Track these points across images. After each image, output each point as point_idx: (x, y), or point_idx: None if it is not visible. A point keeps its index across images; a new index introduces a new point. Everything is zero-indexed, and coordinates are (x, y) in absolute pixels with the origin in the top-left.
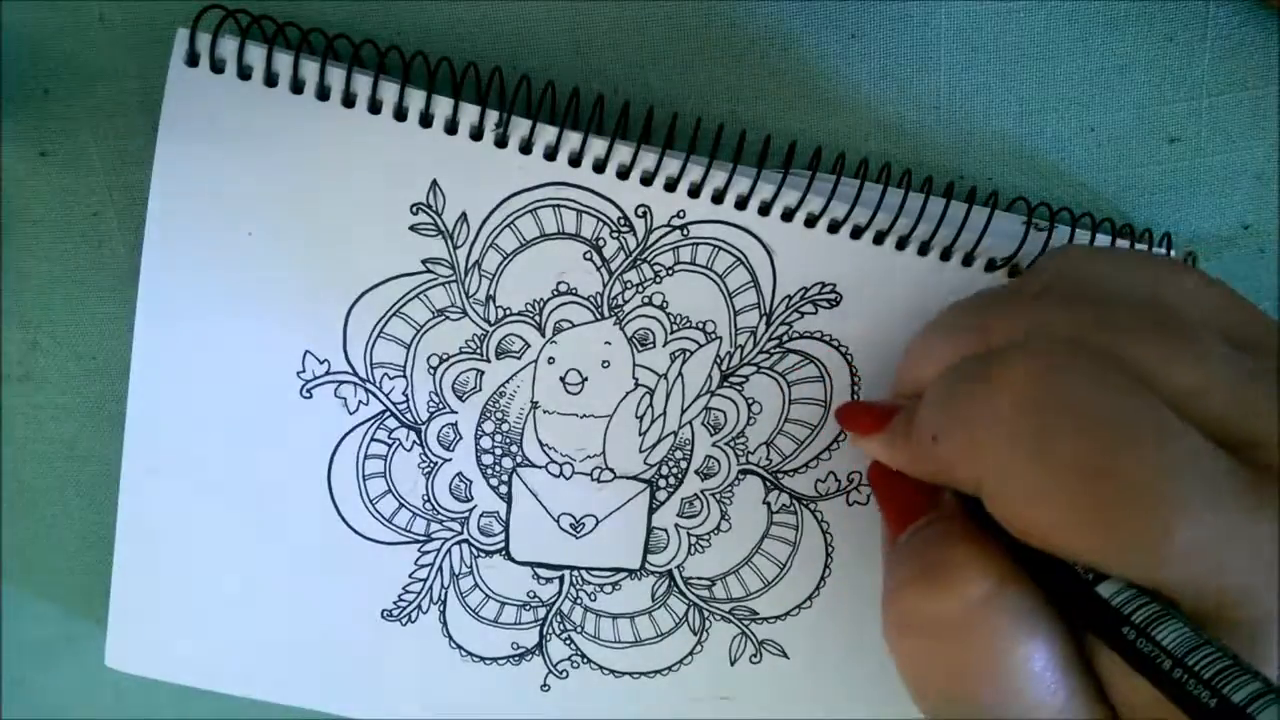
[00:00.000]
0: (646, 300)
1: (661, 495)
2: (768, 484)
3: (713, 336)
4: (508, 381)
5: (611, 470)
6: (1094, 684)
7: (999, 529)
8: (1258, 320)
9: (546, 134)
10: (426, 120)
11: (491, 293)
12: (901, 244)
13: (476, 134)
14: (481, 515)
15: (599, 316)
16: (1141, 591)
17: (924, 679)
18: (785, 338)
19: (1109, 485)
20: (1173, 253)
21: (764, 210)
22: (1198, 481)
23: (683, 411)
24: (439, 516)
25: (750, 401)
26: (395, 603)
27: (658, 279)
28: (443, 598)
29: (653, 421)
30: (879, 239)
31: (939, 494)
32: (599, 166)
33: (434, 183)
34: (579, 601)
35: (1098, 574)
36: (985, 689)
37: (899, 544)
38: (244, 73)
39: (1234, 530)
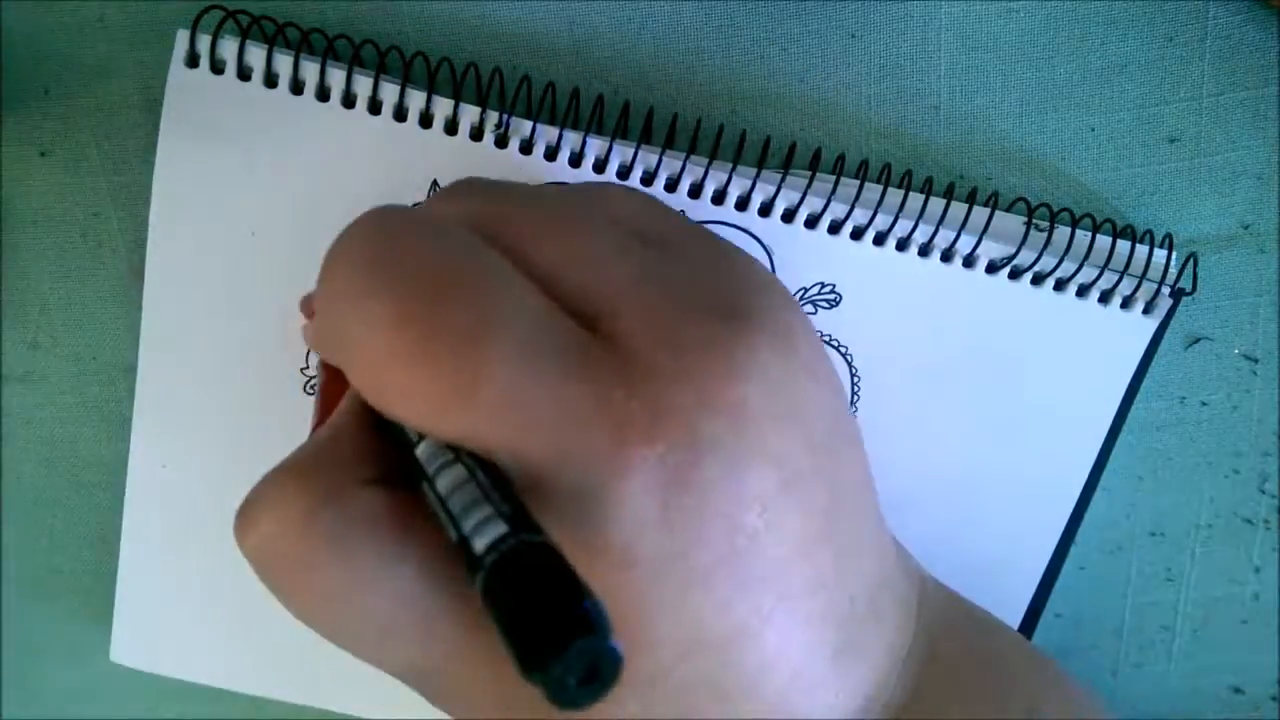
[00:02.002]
0: None
1: None
2: None
3: None
4: None
5: None
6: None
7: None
8: (677, 224)
9: (547, 134)
10: (426, 121)
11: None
12: (902, 245)
13: (477, 134)
14: None
15: None
16: (452, 449)
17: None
18: None
19: (420, 332)
20: (1174, 254)
21: (764, 211)
22: (519, 334)
23: None
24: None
25: None
26: None
27: None
28: None
29: None
30: (879, 240)
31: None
32: (599, 167)
33: (434, 183)
34: None
35: (423, 436)
36: (323, 608)
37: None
38: (244, 73)
39: (548, 389)
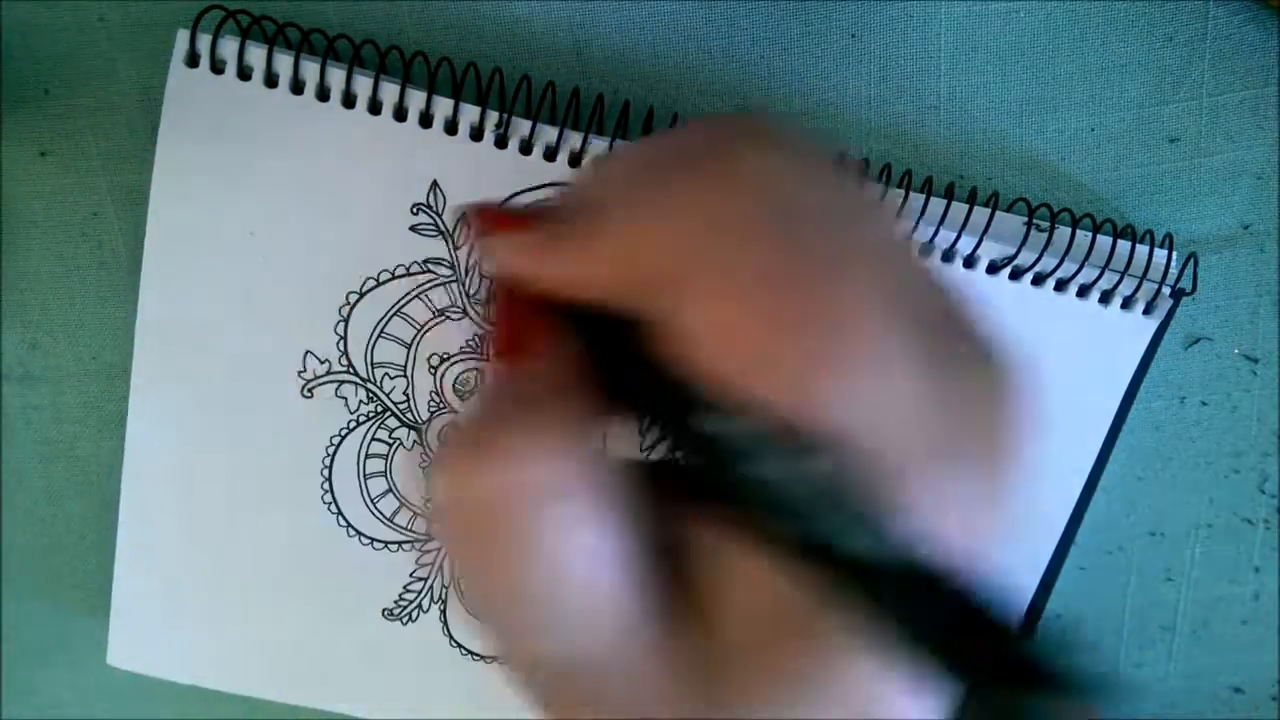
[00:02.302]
0: None
1: None
2: None
3: None
4: None
5: None
6: (691, 596)
7: (616, 373)
8: None
9: (547, 134)
10: (426, 121)
11: (492, 293)
12: None
13: (477, 134)
14: None
15: None
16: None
17: (459, 566)
18: None
19: (809, 300)
20: (1174, 254)
21: None
22: (908, 326)
23: None
24: None
25: None
26: (396, 601)
27: None
28: (443, 597)
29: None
30: None
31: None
32: None
33: (434, 183)
34: None
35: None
36: (518, 584)
37: (456, 428)
38: (244, 73)
39: (898, 387)
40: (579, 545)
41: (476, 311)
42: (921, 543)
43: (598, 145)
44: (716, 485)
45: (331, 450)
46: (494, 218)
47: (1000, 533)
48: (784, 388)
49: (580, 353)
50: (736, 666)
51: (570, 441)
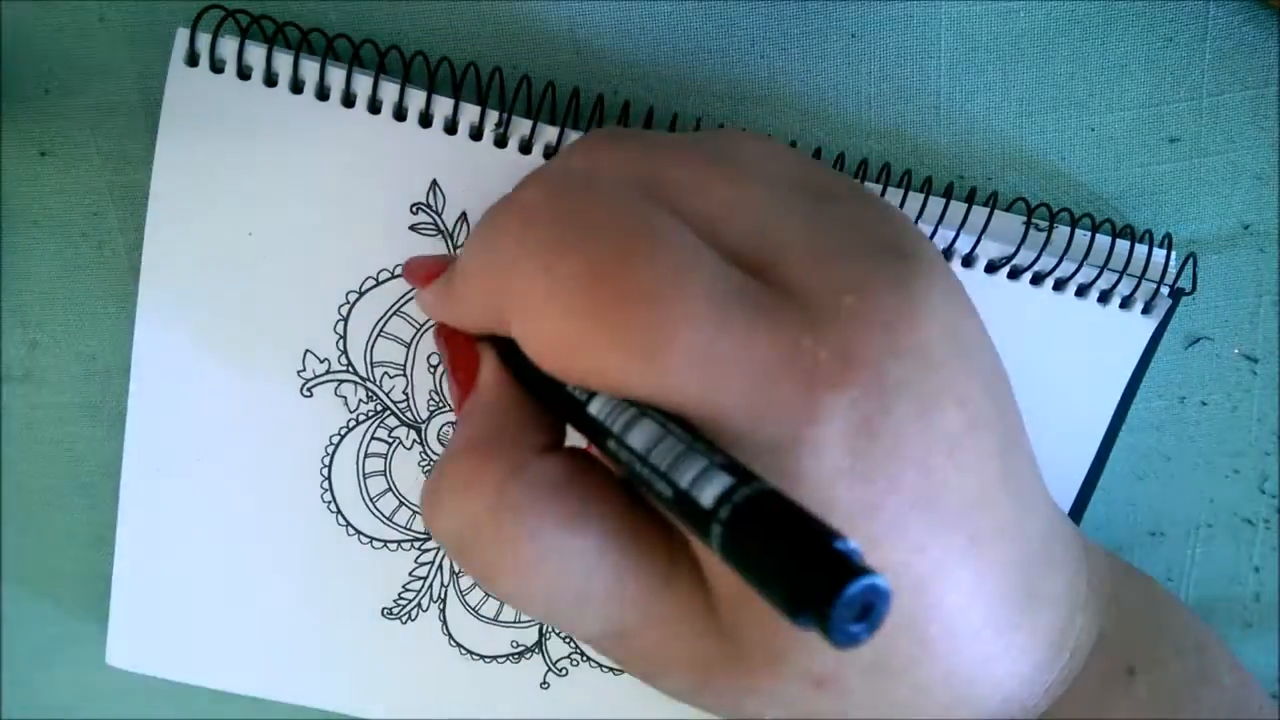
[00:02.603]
0: None
1: None
2: None
3: None
4: None
5: None
6: (684, 571)
7: (533, 379)
8: (824, 173)
9: (547, 134)
10: (426, 120)
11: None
12: None
13: (476, 134)
14: None
15: None
16: (632, 405)
17: (484, 586)
18: None
19: (612, 290)
20: (1173, 254)
21: None
22: (704, 288)
23: None
24: None
25: None
26: (395, 601)
27: None
28: (443, 596)
29: None
30: None
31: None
32: None
33: (434, 183)
34: None
35: (592, 395)
36: (518, 590)
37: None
38: (244, 73)
39: (737, 342)
40: (552, 546)
41: None
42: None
43: None
44: (601, 446)
45: (331, 449)
46: (414, 271)
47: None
48: (611, 371)
49: (503, 370)
50: (738, 614)
51: (521, 457)
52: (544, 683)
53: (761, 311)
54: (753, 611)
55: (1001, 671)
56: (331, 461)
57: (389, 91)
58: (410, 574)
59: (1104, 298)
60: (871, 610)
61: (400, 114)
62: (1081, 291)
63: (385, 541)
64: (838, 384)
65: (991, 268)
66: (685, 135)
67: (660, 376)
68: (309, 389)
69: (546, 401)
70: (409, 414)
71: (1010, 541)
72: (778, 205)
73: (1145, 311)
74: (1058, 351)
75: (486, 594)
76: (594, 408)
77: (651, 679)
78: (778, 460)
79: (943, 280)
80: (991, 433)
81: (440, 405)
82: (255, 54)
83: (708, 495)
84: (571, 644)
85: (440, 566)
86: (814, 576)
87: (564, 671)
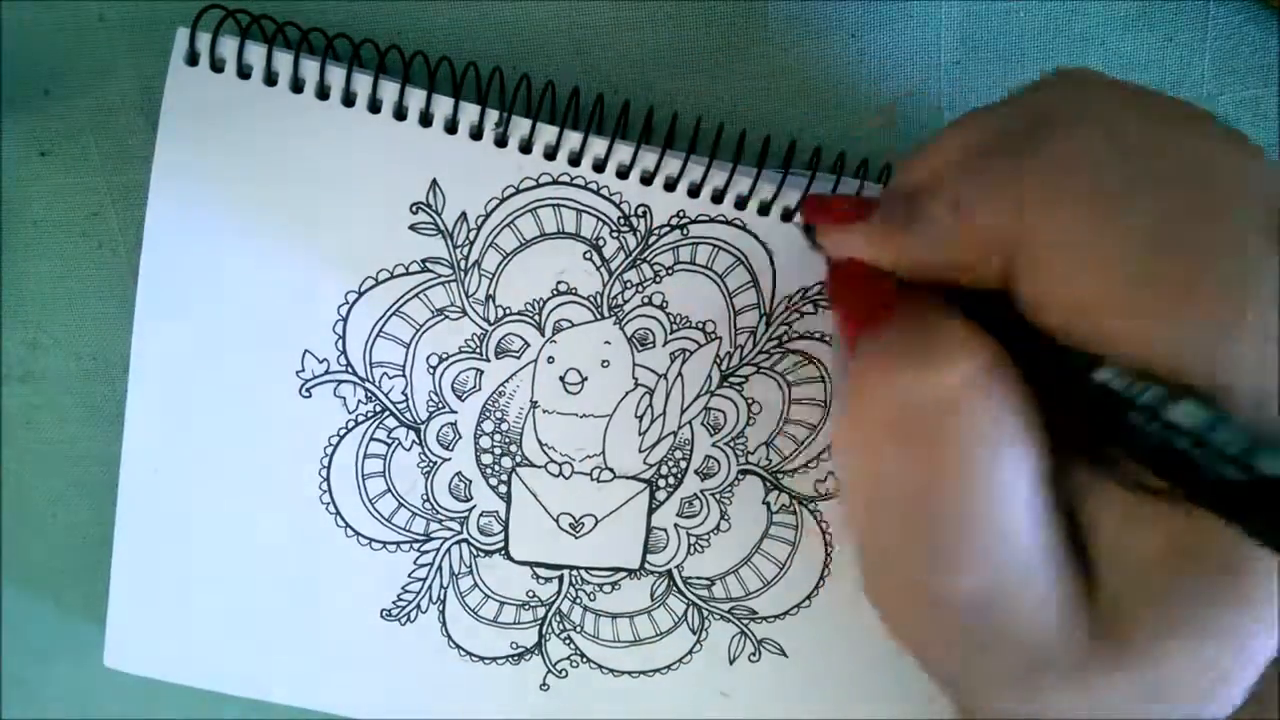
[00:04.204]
0: (646, 300)
1: (661, 495)
2: (767, 484)
3: (712, 336)
4: (507, 381)
5: (611, 470)
6: (1071, 540)
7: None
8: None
9: (546, 133)
10: (426, 120)
11: (491, 292)
12: None
13: (476, 133)
14: (481, 515)
15: (599, 316)
16: (1153, 379)
17: (876, 489)
18: (785, 338)
19: (1188, 255)
20: None
21: (764, 210)
22: (1269, 267)
23: (682, 411)
24: (438, 516)
25: (750, 402)
26: (394, 602)
27: (657, 279)
28: (442, 597)
29: (652, 421)
30: None
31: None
32: (599, 166)
33: (434, 182)
34: (578, 601)
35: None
36: (951, 497)
37: (865, 344)
38: (244, 72)
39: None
40: (1006, 453)
41: (475, 311)
42: None
43: (598, 144)
44: (1107, 432)
45: (330, 450)
46: (828, 209)
47: None
48: (1165, 348)
49: (938, 302)
50: (1128, 611)
51: (982, 348)
52: (543, 684)
53: None
54: (1144, 612)
55: None
56: (330, 462)
57: (389, 91)
58: (409, 575)
59: None
60: None
61: (400, 114)
62: None
63: (384, 543)
64: None
65: None
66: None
67: (1215, 355)
68: (308, 389)
69: (1025, 365)
70: (408, 415)
71: None
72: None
73: None
74: None
75: (486, 595)
76: (1106, 375)
77: (971, 651)
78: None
79: None
80: None
81: (439, 406)
82: (255, 53)
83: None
84: (571, 645)
85: (439, 568)
86: None
87: (564, 673)
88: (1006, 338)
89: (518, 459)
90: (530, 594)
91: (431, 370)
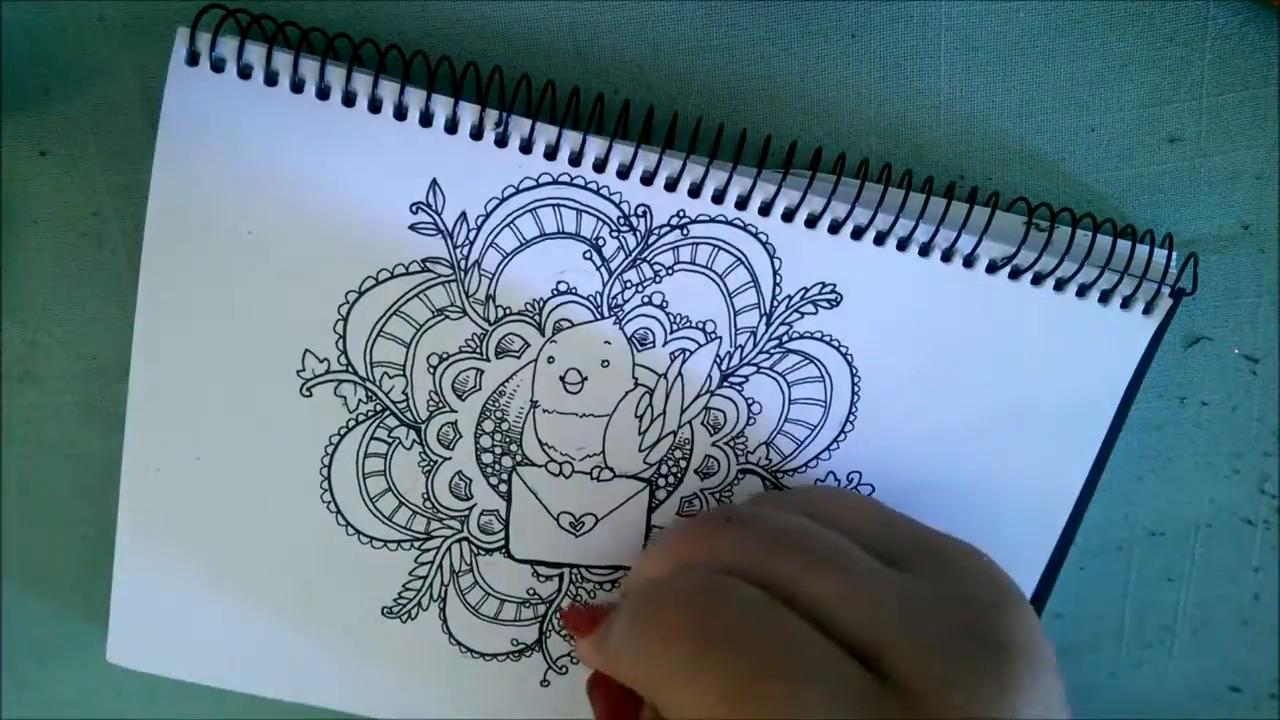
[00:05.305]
0: (646, 300)
1: (661, 494)
2: (767, 484)
3: (713, 336)
4: (507, 381)
5: (611, 469)
6: None
7: None
8: (904, 534)
9: (546, 133)
10: (426, 119)
11: (491, 292)
12: (902, 245)
13: (476, 133)
14: (481, 513)
15: (599, 316)
16: None
17: None
18: (785, 338)
19: (752, 701)
20: (1174, 254)
21: (764, 210)
22: (824, 698)
23: (682, 411)
24: (439, 515)
25: (750, 401)
26: (395, 600)
27: (657, 279)
28: (443, 595)
29: (652, 421)
30: (880, 240)
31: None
32: (599, 166)
33: (434, 182)
34: (578, 599)
35: None
36: None
37: None
38: (244, 72)
39: None
40: None
41: (475, 311)
42: None
43: (598, 144)
44: None
45: (330, 449)
46: (574, 621)
47: None
48: None
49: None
50: None
51: None
52: (544, 680)
53: (872, 712)
54: None
55: None
56: (331, 461)
57: (389, 91)
58: (410, 573)
59: (1104, 298)
60: None
61: (400, 113)
62: (1082, 292)
63: (385, 541)
64: None
65: (992, 268)
66: (786, 497)
67: None
68: (308, 389)
69: None
70: (408, 414)
71: None
72: (874, 589)
73: (1146, 312)
74: (1059, 352)
75: (487, 592)
76: None
77: None
78: None
79: (1042, 670)
80: None
81: (440, 406)
82: (255, 53)
83: None
84: (572, 642)
85: (440, 566)
86: None
87: (564, 669)
88: None
89: (518, 458)
90: (531, 592)
91: (432, 370)
